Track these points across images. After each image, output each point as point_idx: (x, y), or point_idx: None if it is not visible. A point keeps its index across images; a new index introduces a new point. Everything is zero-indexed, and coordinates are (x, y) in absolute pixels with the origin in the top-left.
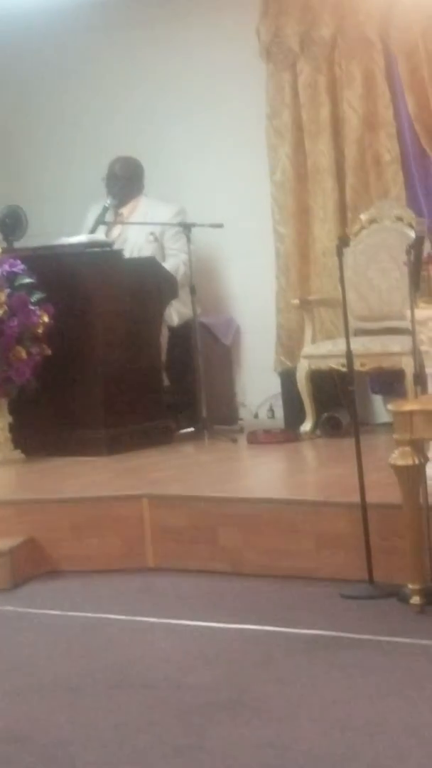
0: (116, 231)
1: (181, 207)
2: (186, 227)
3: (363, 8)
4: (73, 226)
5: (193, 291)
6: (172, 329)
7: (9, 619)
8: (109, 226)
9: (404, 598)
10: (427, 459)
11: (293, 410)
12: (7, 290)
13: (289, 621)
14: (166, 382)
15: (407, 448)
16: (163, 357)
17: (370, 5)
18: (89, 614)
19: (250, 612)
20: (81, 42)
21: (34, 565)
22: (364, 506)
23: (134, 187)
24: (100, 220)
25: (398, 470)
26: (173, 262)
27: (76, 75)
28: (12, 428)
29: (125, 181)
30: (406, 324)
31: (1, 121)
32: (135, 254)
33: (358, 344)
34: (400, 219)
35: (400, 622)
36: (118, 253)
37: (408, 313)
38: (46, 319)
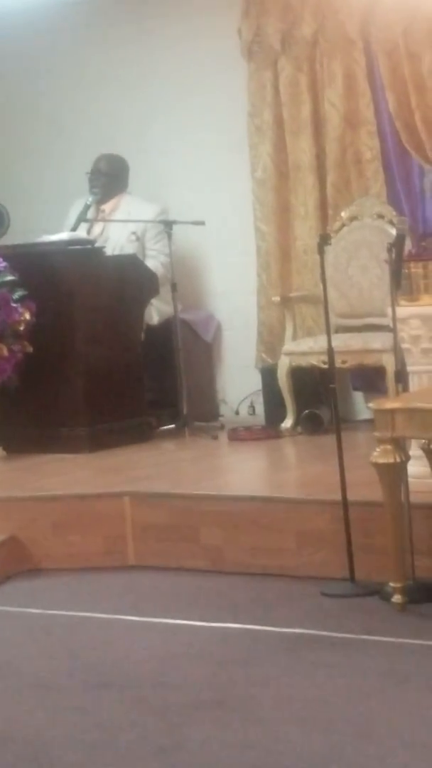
0: (98, 228)
1: (163, 207)
2: (168, 225)
3: (344, 7)
4: (54, 223)
5: (174, 288)
6: (150, 328)
7: None
8: (91, 223)
9: (386, 597)
10: (408, 457)
11: (274, 407)
12: None
13: (271, 619)
14: None
15: (388, 446)
16: None
17: (351, 4)
18: (70, 613)
19: (232, 610)
20: (62, 40)
21: (15, 563)
22: (345, 504)
23: (118, 184)
24: (81, 218)
25: (379, 468)
26: (153, 264)
27: (58, 73)
28: None
29: (109, 178)
30: (387, 321)
31: None
32: (116, 253)
33: (339, 341)
34: (380, 216)
35: (382, 621)
36: (100, 251)
37: (389, 310)
38: (27, 316)
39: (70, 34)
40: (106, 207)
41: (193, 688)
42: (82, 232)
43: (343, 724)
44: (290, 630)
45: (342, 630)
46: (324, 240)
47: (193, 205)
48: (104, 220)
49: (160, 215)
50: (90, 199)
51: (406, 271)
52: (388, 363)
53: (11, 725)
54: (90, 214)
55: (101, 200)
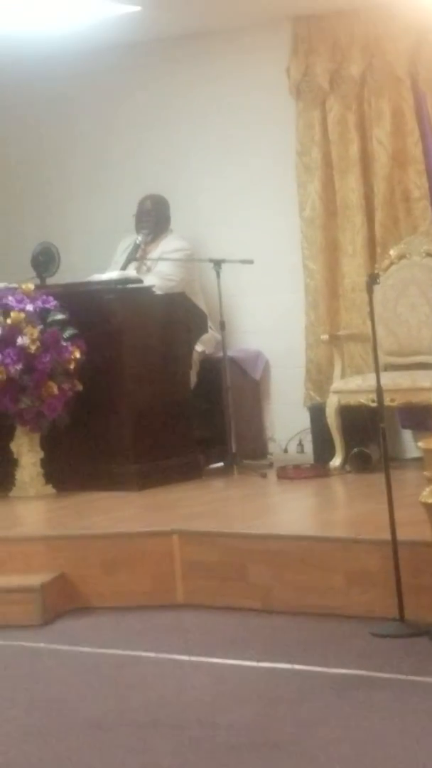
0: (145, 267)
1: (190, 251)
2: (217, 263)
3: (392, 47)
4: (103, 262)
5: (222, 326)
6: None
7: (40, 655)
8: (140, 262)
9: None
10: None
11: (323, 445)
12: (40, 326)
13: (320, 659)
14: None
15: None
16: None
17: (398, 44)
18: (119, 651)
19: (281, 650)
20: (109, 81)
21: (65, 601)
22: (394, 543)
23: (164, 223)
24: (131, 257)
25: (429, 508)
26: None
27: (106, 113)
28: (43, 463)
29: (156, 217)
30: None
31: (33, 160)
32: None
33: (388, 379)
34: (429, 254)
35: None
36: (149, 290)
37: None
38: (77, 354)
39: (118, 76)
40: (151, 247)
41: (242, 728)
42: (131, 271)
43: (393, 765)
44: (339, 670)
45: (392, 670)
46: (372, 280)
47: (242, 244)
48: (140, 259)
49: (177, 250)
50: (139, 238)
51: None
52: None
53: (61, 764)
54: (139, 254)
55: (150, 241)
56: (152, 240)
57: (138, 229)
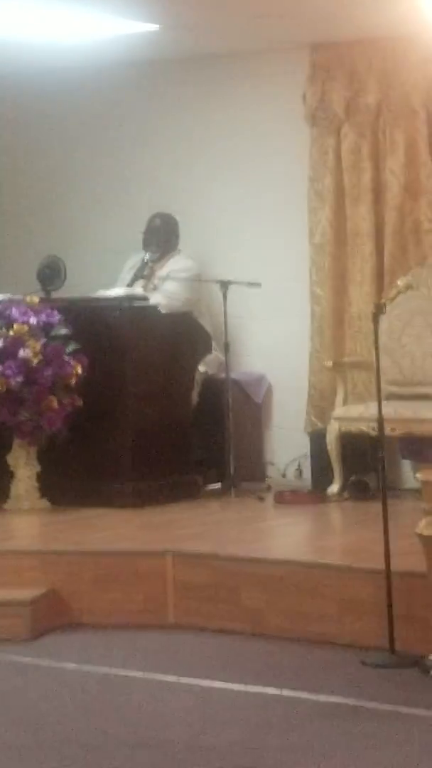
0: (152, 285)
1: (197, 271)
2: (224, 284)
3: (409, 78)
4: (110, 278)
5: (227, 348)
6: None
7: (26, 670)
8: (147, 280)
9: (425, 669)
10: None
11: (321, 471)
12: (43, 340)
13: (309, 686)
14: None
15: None
16: None
17: (416, 75)
18: (107, 669)
19: (270, 675)
20: (124, 98)
21: (54, 616)
22: (388, 573)
23: (172, 242)
24: (138, 275)
25: (424, 540)
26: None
27: (118, 130)
28: (40, 477)
29: (165, 236)
30: None
31: (43, 174)
32: None
33: (390, 409)
34: None
35: (420, 693)
36: (154, 308)
37: None
38: (79, 370)
39: (132, 93)
40: (157, 266)
41: (227, 751)
42: (138, 289)
43: None
44: (328, 698)
45: (380, 701)
46: (379, 310)
47: (250, 266)
48: (147, 277)
49: (185, 270)
50: (147, 255)
51: None
52: None
53: None
54: (146, 272)
55: (158, 258)
56: (160, 258)
57: (146, 247)
